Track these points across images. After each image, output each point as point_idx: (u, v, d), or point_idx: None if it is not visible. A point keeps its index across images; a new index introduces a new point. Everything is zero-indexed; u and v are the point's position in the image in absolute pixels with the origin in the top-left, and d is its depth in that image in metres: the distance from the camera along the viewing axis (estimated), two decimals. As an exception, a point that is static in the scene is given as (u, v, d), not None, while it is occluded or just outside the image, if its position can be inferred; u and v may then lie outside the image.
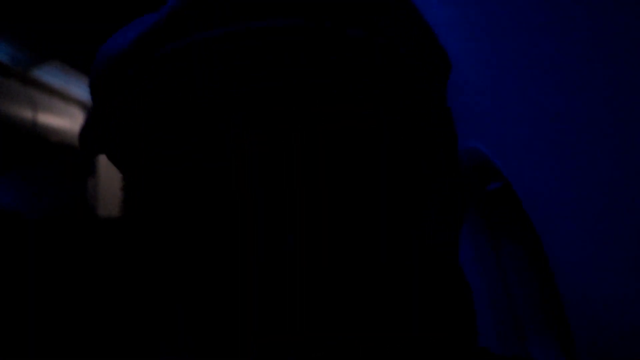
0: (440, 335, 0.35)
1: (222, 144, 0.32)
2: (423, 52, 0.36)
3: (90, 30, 3.45)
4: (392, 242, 0.33)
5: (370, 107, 0.33)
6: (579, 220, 0.75)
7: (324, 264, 0.31)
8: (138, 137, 0.35)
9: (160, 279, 0.35)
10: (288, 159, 0.31)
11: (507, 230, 1.08)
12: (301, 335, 0.31)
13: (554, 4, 0.64)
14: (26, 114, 4.97)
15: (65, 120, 5.71)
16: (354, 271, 0.32)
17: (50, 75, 5.26)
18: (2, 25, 3.73)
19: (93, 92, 0.39)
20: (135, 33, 0.33)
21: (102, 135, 0.39)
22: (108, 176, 6.39)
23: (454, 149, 0.39)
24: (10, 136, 4.78)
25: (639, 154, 0.55)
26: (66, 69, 5.00)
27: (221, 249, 0.32)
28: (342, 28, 0.31)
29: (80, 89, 5.87)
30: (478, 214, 1.06)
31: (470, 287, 0.39)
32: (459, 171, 0.39)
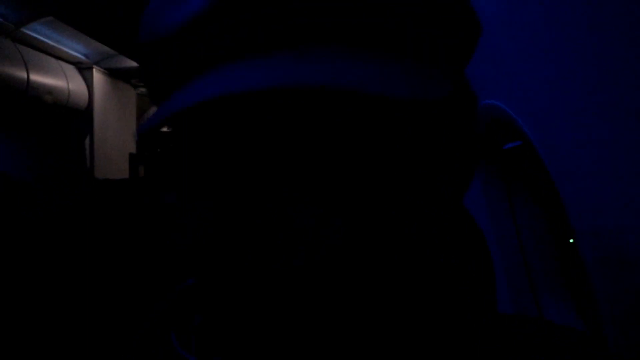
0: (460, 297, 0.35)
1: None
2: (456, 25, 0.35)
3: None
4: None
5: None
6: (602, 178, 0.73)
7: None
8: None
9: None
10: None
11: (524, 189, 1.06)
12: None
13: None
14: (19, 72, 4.88)
15: (59, 79, 5.63)
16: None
17: (43, 32, 5.14)
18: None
19: (145, 72, 0.39)
20: (177, 19, 0.33)
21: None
22: (102, 135, 6.36)
23: (473, 114, 0.38)
24: (2, 95, 4.72)
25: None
26: (59, 26, 4.87)
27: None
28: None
29: (72, 47, 5.75)
30: (494, 172, 1.05)
31: (488, 248, 0.38)
32: (473, 133, 0.39)
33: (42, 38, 5.21)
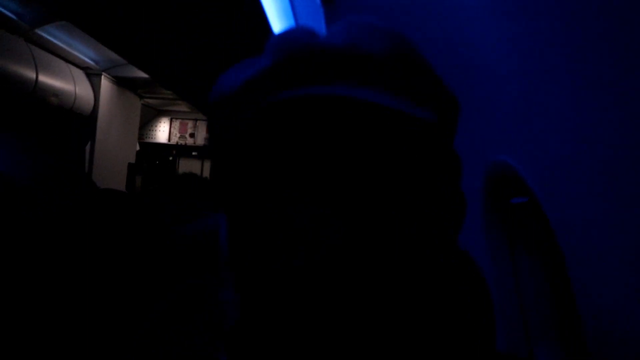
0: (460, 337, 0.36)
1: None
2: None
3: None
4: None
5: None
6: (606, 240, 0.75)
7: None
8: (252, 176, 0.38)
9: None
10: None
11: (527, 242, 1.08)
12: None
13: (592, 30, 0.64)
14: (29, 72, 4.91)
15: (67, 82, 5.66)
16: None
17: (56, 35, 5.19)
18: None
19: (211, 125, 0.44)
20: (245, 76, 0.39)
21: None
22: (103, 142, 6.37)
23: (458, 170, 0.43)
24: (10, 95, 4.73)
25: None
26: (71, 30, 4.93)
27: None
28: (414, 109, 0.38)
29: (83, 52, 5.80)
30: (499, 224, 1.07)
31: (489, 291, 0.40)
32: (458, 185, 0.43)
33: (54, 40, 5.27)
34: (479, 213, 1.02)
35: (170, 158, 9.13)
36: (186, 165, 9.08)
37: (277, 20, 2.27)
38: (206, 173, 9.03)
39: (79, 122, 6.00)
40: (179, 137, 9.13)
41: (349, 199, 0.33)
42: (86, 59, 5.94)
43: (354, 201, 0.33)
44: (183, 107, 8.54)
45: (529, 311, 1.02)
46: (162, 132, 9.15)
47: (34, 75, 4.99)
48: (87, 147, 6.08)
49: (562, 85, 0.76)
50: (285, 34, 0.40)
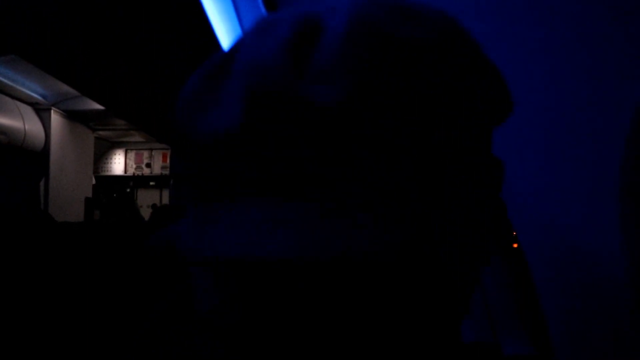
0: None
1: None
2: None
3: (47, 27, 3.34)
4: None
5: None
6: (563, 232, 0.79)
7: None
8: None
9: None
10: None
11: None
12: None
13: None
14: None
15: (15, 120, 5.49)
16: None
17: (0, 72, 5.04)
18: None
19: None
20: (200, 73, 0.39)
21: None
22: (57, 178, 6.19)
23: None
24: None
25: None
26: (15, 65, 4.80)
27: None
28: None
29: (30, 87, 5.65)
30: None
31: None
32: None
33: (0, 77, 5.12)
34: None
35: (128, 190, 8.93)
36: (144, 196, 8.90)
37: (225, 34, 2.29)
38: (165, 202, 8.87)
39: (31, 160, 5.81)
40: (136, 168, 8.95)
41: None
42: (33, 94, 5.78)
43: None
44: (137, 138, 8.40)
45: (492, 303, 1.07)
46: (118, 164, 8.96)
47: (-20, 114, 4.82)
48: (41, 184, 5.89)
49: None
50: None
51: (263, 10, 2.01)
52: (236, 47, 0.39)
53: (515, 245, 1.08)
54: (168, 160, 8.78)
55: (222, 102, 0.36)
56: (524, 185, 0.83)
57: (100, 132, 7.79)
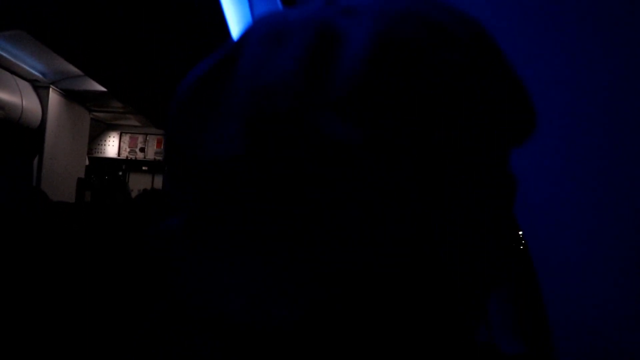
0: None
1: None
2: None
3: (55, 4, 3.34)
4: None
5: None
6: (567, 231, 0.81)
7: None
8: None
9: None
10: None
11: None
12: None
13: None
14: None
15: (13, 95, 5.47)
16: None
17: (2, 46, 5.01)
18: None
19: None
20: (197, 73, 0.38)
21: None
22: (51, 157, 6.16)
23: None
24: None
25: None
26: (18, 41, 4.77)
27: None
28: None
29: (31, 64, 5.62)
30: None
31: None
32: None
33: (0, 52, 5.09)
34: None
35: (120, 173, 8.89)
36: (136, 180, 8.87)
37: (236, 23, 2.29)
38: (157, 187, 8.84)
39: (26, 136, 5.79)
40: (129, 152, 8.92)
41: None
42: (33, 71, 5.75)
43: None
44: (133, 122, 8.36)
45: (491, 303, 1.10)
46: (112, 146, 8.91)
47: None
48: (35, 162, 5.87)
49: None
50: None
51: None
52: (240, 45, 0.37)
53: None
54: (162, 147, 8.74)
55: (223, 121, 0.35)
56: (524, 186, 0.86)
57: (97, 114, 7.74)
